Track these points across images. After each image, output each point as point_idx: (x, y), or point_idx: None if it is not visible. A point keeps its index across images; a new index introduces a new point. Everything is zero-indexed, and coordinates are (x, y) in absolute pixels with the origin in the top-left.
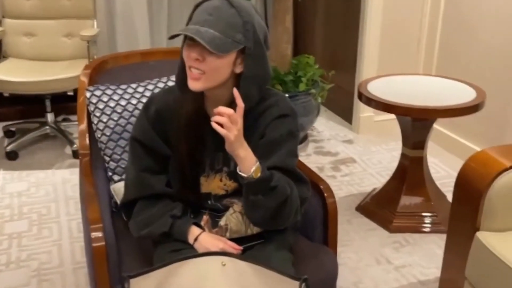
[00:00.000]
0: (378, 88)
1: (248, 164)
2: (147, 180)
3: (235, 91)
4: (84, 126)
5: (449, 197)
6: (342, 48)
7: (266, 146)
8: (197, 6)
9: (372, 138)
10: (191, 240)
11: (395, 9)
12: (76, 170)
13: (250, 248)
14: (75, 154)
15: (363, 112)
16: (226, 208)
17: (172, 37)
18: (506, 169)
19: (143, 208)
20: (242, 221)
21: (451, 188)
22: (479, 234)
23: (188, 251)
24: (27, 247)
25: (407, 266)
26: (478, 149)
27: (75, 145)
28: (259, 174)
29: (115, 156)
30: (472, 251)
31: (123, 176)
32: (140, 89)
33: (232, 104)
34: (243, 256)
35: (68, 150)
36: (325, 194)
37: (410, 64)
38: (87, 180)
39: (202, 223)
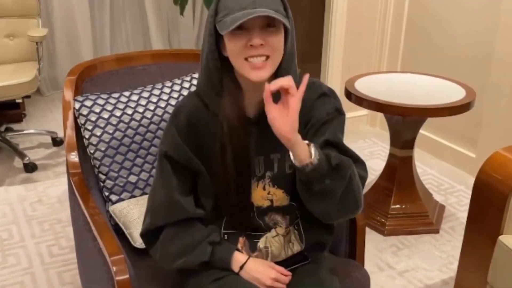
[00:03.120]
0: (365, 87)
1: (303, 150)
2: (179, 203)
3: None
4: (73, 141)
5: (434, 196)
6: (305, 46)
7: (314, 127)
8: None
9: None
10: (235, 268)
11: (360, 4)
12: (32, 186)
13: (293, 271)
14: (28, 168)
15: None
16: (267, 228)
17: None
18: None
19: (174, 235)
20: (283, 244)
21: (432, 186)
22: (503, 238)
23: (231, 278)
24: None
25: (410, 271)
26: (448, 143)
27: (27, 158)
28: (318, 157)
29: (111, 173)
30: (496, 256)
31: (122, 196)
32: (134, 97)
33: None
34: None
35: (18, 163)
36: (357, 218)
37: (375, 60)
38: (87, 204)
39: (239, 246)
